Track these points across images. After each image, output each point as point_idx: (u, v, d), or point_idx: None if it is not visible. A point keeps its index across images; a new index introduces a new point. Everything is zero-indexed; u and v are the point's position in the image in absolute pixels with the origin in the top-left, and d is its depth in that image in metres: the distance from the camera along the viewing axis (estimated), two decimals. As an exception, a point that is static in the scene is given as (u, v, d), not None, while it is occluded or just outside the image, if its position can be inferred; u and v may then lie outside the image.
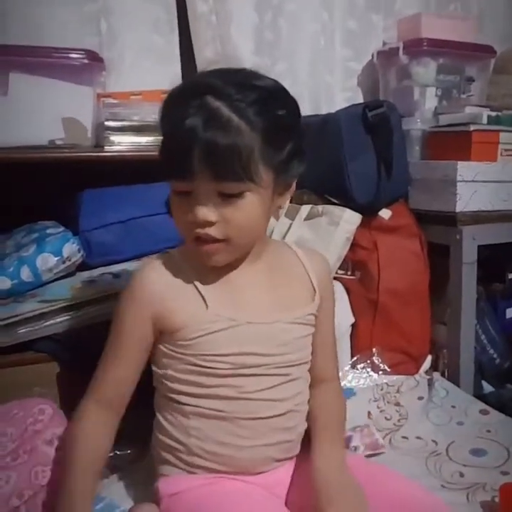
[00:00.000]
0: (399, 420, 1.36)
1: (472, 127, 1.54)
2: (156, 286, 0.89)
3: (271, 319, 0.92)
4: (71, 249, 1.32)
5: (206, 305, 0.88)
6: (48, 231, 1.35)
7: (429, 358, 1.67)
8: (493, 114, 1.57)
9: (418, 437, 1.30)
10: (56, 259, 1.30)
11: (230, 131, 0.79)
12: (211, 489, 0.89)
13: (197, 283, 0.89)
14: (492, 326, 1.75)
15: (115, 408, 0.92)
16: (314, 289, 0.98)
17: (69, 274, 1.35)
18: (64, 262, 1.31)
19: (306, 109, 1.78)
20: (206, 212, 0.83)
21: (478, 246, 1.57)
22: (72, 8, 1.55)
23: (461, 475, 1.16)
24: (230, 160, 0.79)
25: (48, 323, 1.23)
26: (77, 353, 1.22)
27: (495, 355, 1.73)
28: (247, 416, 0.89)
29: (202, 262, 0.89)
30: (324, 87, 1.87)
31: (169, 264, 0.91)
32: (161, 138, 0.86)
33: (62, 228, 1.36)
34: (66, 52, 1.38)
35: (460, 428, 1.34)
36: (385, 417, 1.37)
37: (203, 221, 0.83)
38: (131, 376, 0.92)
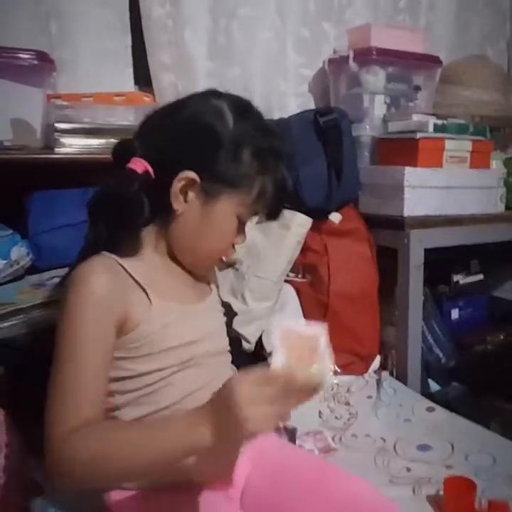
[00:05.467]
0: (349, 419, 1.40)
1: (419, 135, 1.59)
2: (109, 287, 0.85)
3: (198, 308, 0.97)
4: (19, 252, 1.30)
5: (149, 300, 0.88)
6: (-4, 235, 1.32)
7: (378, 358, 1.71)
8: (439, 122, 1.63)
9: (367, 435, 1.33)
10: (3, 262, 1.27)
11: None
12: (159, 503, 0.87)
13: (139, 280, 0.88)
14: (438, 327, 1.81)
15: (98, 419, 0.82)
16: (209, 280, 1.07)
17: (17, 278, 1.33)
18: (12, 266, 1.29)
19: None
20: None
21: (425, 249, 1.63)
22: (21, 8, 1.52)
23: (408, 470, 1.19)
24: None
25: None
26: (23, 358, 1.20)
27: (441, 355, 1.79)
28: None
29: (208, 272, 1.03)
30: (277, 92, 1.89)
31: (110, 265, 0.88)
32: (256, 181, 0.91)
33: (10, 231, 1.33)
34: (15, 52, 1.35)
35: (407, 425, 1.38)
36: (335, 417, 1.40)
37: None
38: (103, 390, 0.84)
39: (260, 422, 0.70)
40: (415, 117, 1.66)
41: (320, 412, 1.41)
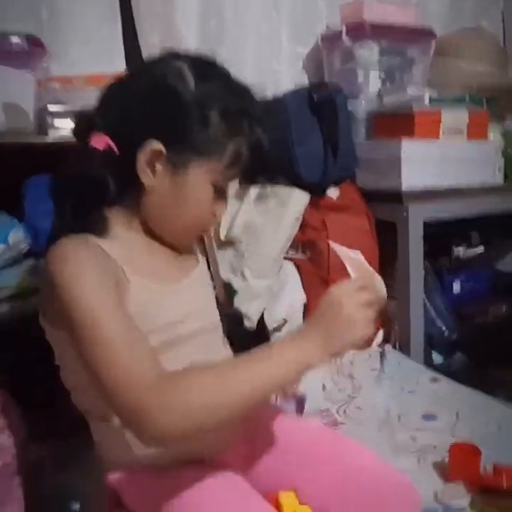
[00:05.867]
0: (352, 392, 1.40)
1: (414, 107, 1.58)
2: (96, 256, 0.80)
3: (182, 284, 0.91)
4: (17, 236, 1.30)
5: (127, 278, 0.83)
6: (-6, 220, 1.32)
7: (381, 332, 1.71)
8: (435, 94, 1.62)
9: (371, 407, 1.33)
10: (1, 246, 1.27)
11: None
12: (164, 482, 0.85)
13: (116, 258, 0.83)
14: (440, 300, 1.81)
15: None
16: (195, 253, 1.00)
17: (16, 262, 1.33)
18: (10, 250, 1.29)
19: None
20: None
21: (425, 222, 1.62)
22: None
23: (413, 439, 1.20)
24: None
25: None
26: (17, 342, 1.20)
27: (443, 328, 1.79)
28: None
29: (189, 245, 0.95)
30: (271, 72, 1.88)
31: (87, 242, 0.83)
32: (228, 142, 0.84)
33: (7, 216, 1.33)
34: (6, 37, 1.35)
35: (411, 396, 1.38)
36: (339, 389, 1.41)
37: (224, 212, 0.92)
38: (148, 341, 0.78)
39: (367, 325, 0.75)
40: (410, 90, 1.65)
41: (324, 386, 1.41)
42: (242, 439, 0.94)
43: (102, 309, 0.76)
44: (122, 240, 0.86)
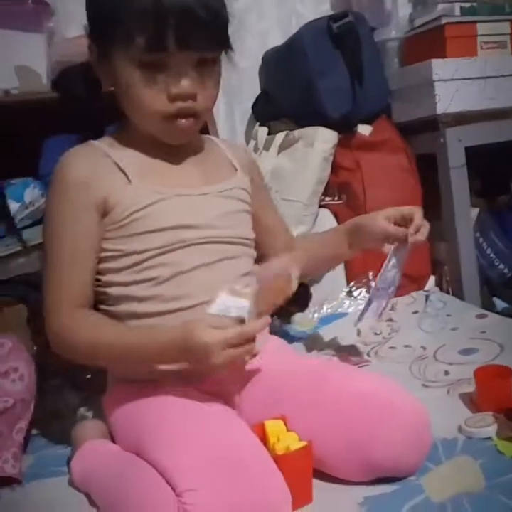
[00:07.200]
0: (389, 333, 1.29)
1: (443, 20, 1.43)
2: (85, 171, 0.86)
3: (199, 192, 0.91)
4: (33, 193, 1.31)
5: (129, 180, 0.86)
6: (11, 182, 1.34)
7: (433, 278, 1.57)
8: (467, 4, 1.45)
9: (406, 345, 1.22)
10: (18, 204, 1.28)
11: None
12: (149, 396, 0.85)
13: (118, 162, 0.88)
14: (499, 240, 1.63)
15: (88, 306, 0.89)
16: (235, 167, 0.98)
17: (39, 221, 1.34)
18: (27, 208, 1.30)
19: (278, 43, 1.70)
20: (190, 83, 0.83)
21: (467, 149, 1.46)
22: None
23: (446, 373, 1.07)
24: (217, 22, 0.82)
25: (20, 261, 1.24)
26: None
27: (505, 270, 1.61)
28: (186, 304, 0.86)
29: (171, 141, 0.90)
30: (296, 16, 1.78)
31: (90, 151, 0.90)
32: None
33: (22, 178, 1.34)
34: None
35: (453, 333, 1.25)
36: (375, 333, 1.29)
37: (187, 94, 0.83)
38: (91, 277, 0.88)
39: (223, 365, 0.77)
40: (440, 6, 1.49)
41: (358, 331, 1.30)
42: (234, 377, 0.89)
43: (61, 242, 0.86)
44: (131, 146, 0.90)
